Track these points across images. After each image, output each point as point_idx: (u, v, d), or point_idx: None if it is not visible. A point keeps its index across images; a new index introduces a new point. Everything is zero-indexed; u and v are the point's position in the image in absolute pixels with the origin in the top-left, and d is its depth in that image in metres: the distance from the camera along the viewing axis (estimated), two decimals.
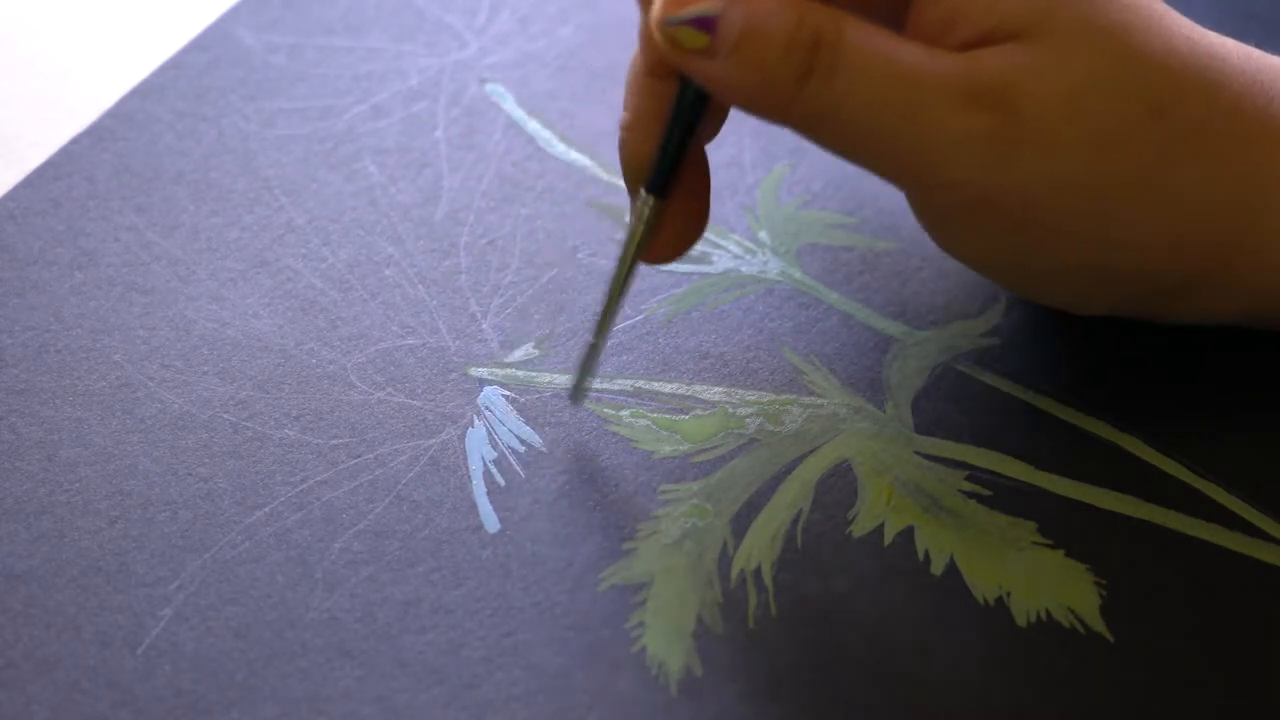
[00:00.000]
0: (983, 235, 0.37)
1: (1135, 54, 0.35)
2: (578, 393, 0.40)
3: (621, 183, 0.45)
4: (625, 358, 0.42)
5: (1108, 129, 0.35)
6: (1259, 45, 0.39)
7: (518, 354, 0.42)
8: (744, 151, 0.47)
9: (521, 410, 0.41)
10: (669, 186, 0.37)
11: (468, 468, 0.40)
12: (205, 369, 0.42)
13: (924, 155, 0.35)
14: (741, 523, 0.39)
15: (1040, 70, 0.35)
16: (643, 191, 0.38)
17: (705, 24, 0.34)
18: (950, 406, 0.41)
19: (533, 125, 0.48)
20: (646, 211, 0.38)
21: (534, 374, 0.42)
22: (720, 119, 0.39)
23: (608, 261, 0.44)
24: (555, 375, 0.42)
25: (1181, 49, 0.36)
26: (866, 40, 0.35)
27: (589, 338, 0.39)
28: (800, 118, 0.35)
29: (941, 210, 0.37)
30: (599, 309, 0.39)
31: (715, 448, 0.40)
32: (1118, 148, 0.35)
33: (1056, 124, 0.35)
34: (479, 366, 0.42)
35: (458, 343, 0.42)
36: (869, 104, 0.35)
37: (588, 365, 0.40)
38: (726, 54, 0.34)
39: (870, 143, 0.35)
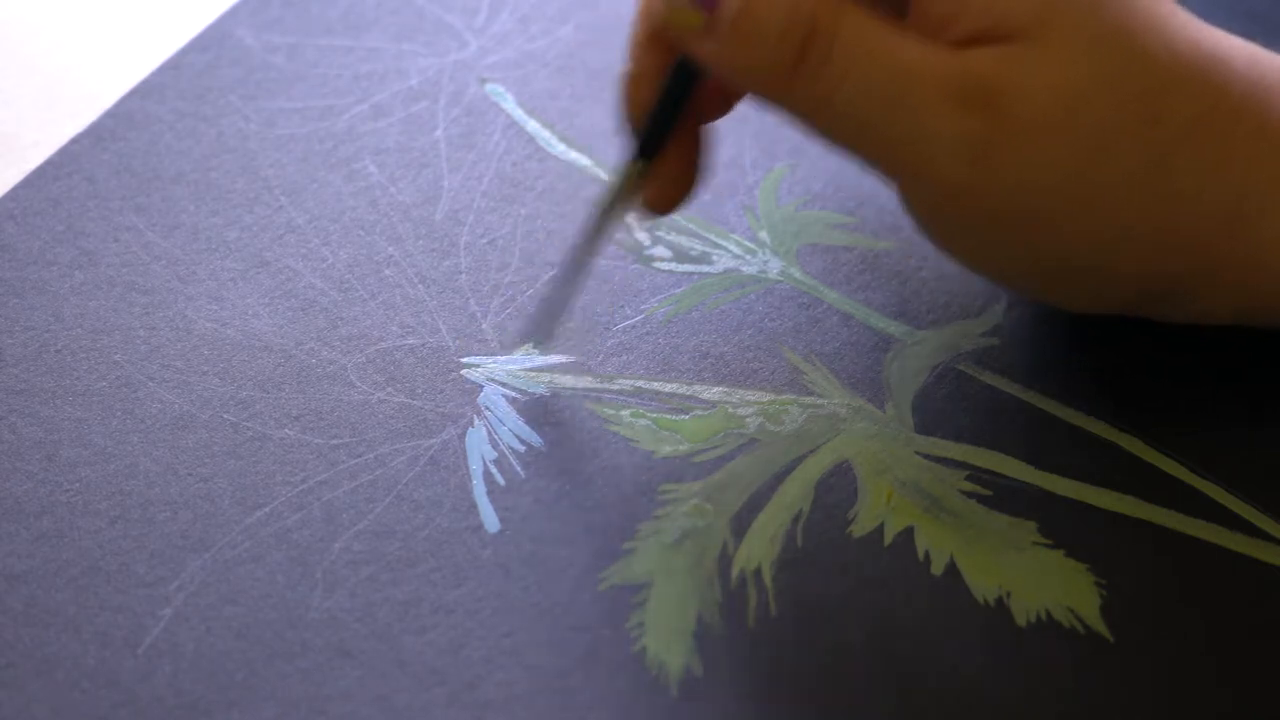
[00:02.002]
0: (969, 232, 0.37)
1: (1136, 55, 0.35)
2: (539, 330, 0.42)
3: None
4: (625, 358, 0.42)
5: (1102, 130, 0.35)
6: (1260, 45, 0.38)
7: (518, 354, 0.42)
8: (744, 152, 0.47)
9: (521, 410, 0.41)
10: (654, 151, 0.39)
11: (468, 468, 0.40)
12: (205, 369, 0.42)
13: (910, 150, 0.36)
14: (741, 523, 0.39)
15: (1033, 71, 0.35)
16: (629, 153, 0.39)
17: (705, 3, 0.35)
18: (950, 406, 0.41)
19: (533, 125, 0.48)
20: (630, 172, 0.39)
21: (534, 374, 0.42)
22: (731, 100, 0.40)
23: (608, 261, 0.44)
24: (555, 375, 0.42)
25: (1184, 51, 0.36)
26: (863, 30, 0.35)
27: (557, 274, 0.42)
28: (794, 101, 0.36)
29: (929, 205, 0.37)
30: (571, 254, 0.41)
31: (715, 448, 0.40)
32: (1112, 149, 0.35)
33: (1046, 125, 0.35)
34: (479, 366, 0.42)
35: (458, 343, 0.42)
36: (860, 94, 0.35)
37: (554, 306, 0.41)
38: (723, 35, 0.35)
39: (860, 133, 0.36)
